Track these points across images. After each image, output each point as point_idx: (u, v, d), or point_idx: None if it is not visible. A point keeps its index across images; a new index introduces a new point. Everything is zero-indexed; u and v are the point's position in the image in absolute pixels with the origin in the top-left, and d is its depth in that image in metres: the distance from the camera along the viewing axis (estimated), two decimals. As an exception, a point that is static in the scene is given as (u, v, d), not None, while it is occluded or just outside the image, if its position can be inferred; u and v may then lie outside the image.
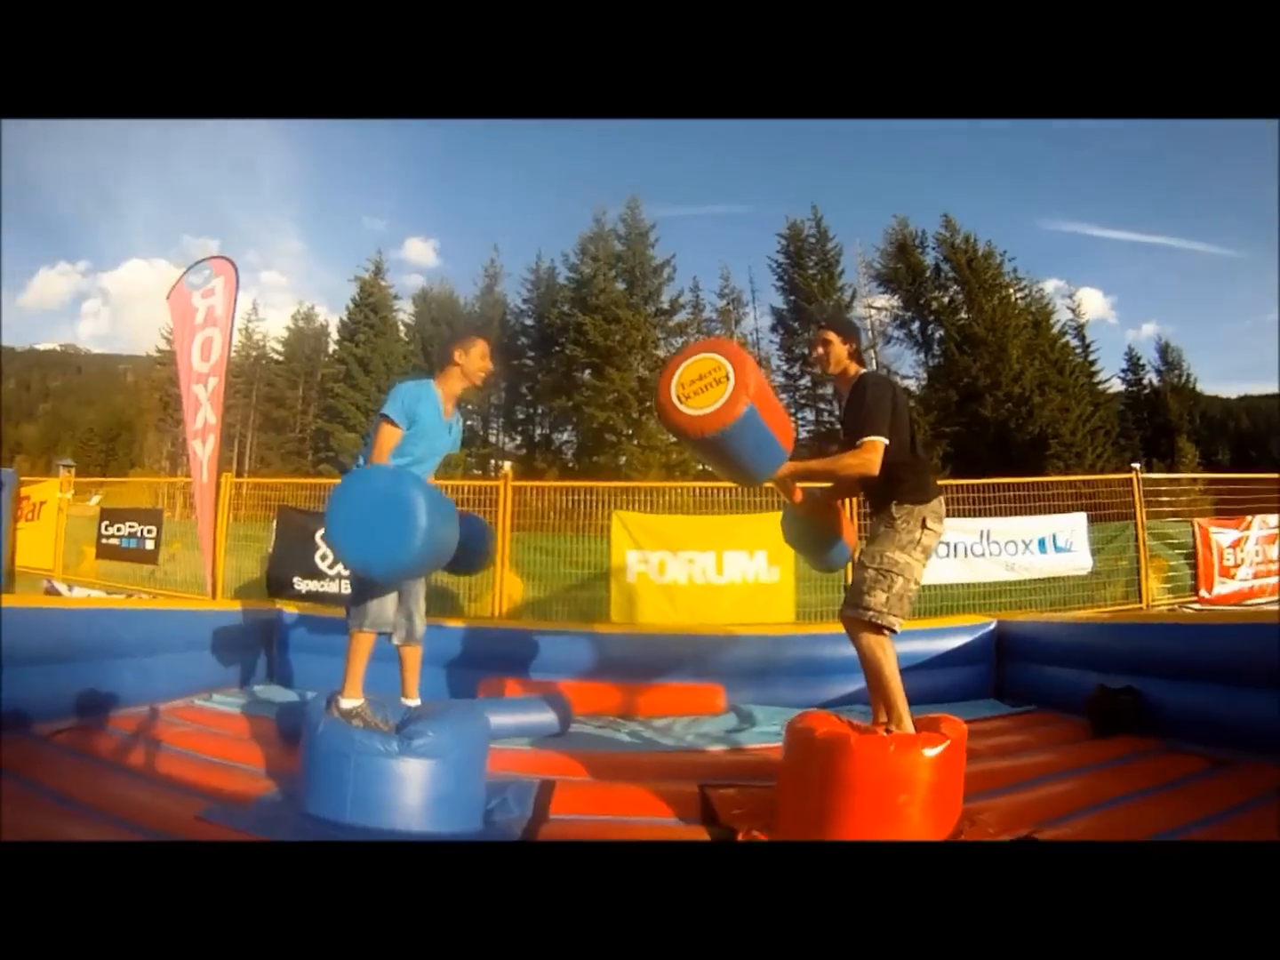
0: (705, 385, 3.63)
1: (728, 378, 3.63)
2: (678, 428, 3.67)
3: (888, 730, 3.78)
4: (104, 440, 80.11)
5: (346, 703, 3.99)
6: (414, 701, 4.58)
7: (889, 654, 3.87)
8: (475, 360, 4.55)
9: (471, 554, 4.78)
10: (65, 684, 5.35)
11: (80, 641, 5.63)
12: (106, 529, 12.83)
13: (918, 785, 3.48)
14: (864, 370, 4.44)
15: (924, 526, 4.00)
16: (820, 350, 4.50)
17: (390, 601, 4.28)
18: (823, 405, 52.68)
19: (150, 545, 12.31)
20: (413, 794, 3.71)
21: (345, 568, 4.40)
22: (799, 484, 4.70)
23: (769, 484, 4.42)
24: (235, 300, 9.56)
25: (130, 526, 12.58)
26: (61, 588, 12.41)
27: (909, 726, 3.76)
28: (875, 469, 3.96)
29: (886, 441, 3.99)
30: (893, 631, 3.91)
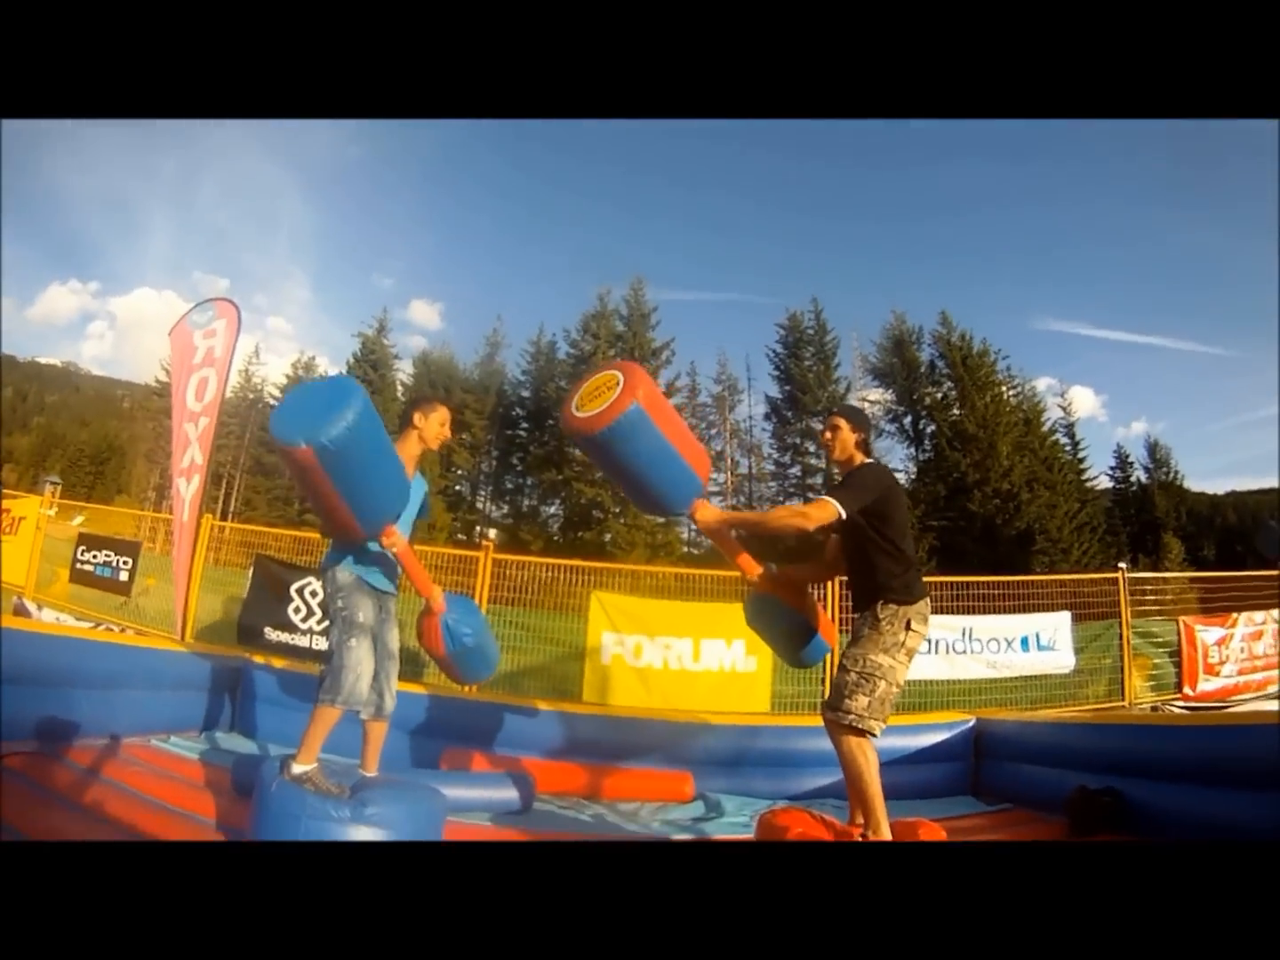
0: (599, 392, 3.85)
1: (618, 385, 3.84)
2: (572, 431, 3.89)
3: (864, 835, 3.67)
4: (93, 462, 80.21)
5: (299, 767, 3.89)
6: (372, 774, 4.47)
7: (870, 758, 3.78)
8: (434, 426, 4.55)
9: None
10: (21, 708, 5.20)
11: (42, 667, 5.53)
12: (83, 554, 12.75)
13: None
14: (869, 460, 4.42)
15: (908, 629, 3.95)
16: (829, 435, 4.50)
17: (366, 679, 4.18)
18: (811, 495, 52.79)
19: (124, 576, 12.24)
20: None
21: (328, 639, 4.31)
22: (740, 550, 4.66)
23: (709, 538, 4.56)
24: (235, 343, 9.61)
25: (106, 555, 12.53)
26: (31, 607, 12.28)
27: (885, 833, 3.66)
28: (811, 525, 3.99)
29: (843, 514, 3.97)
30: (873, 735, 3.82)
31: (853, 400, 53.02)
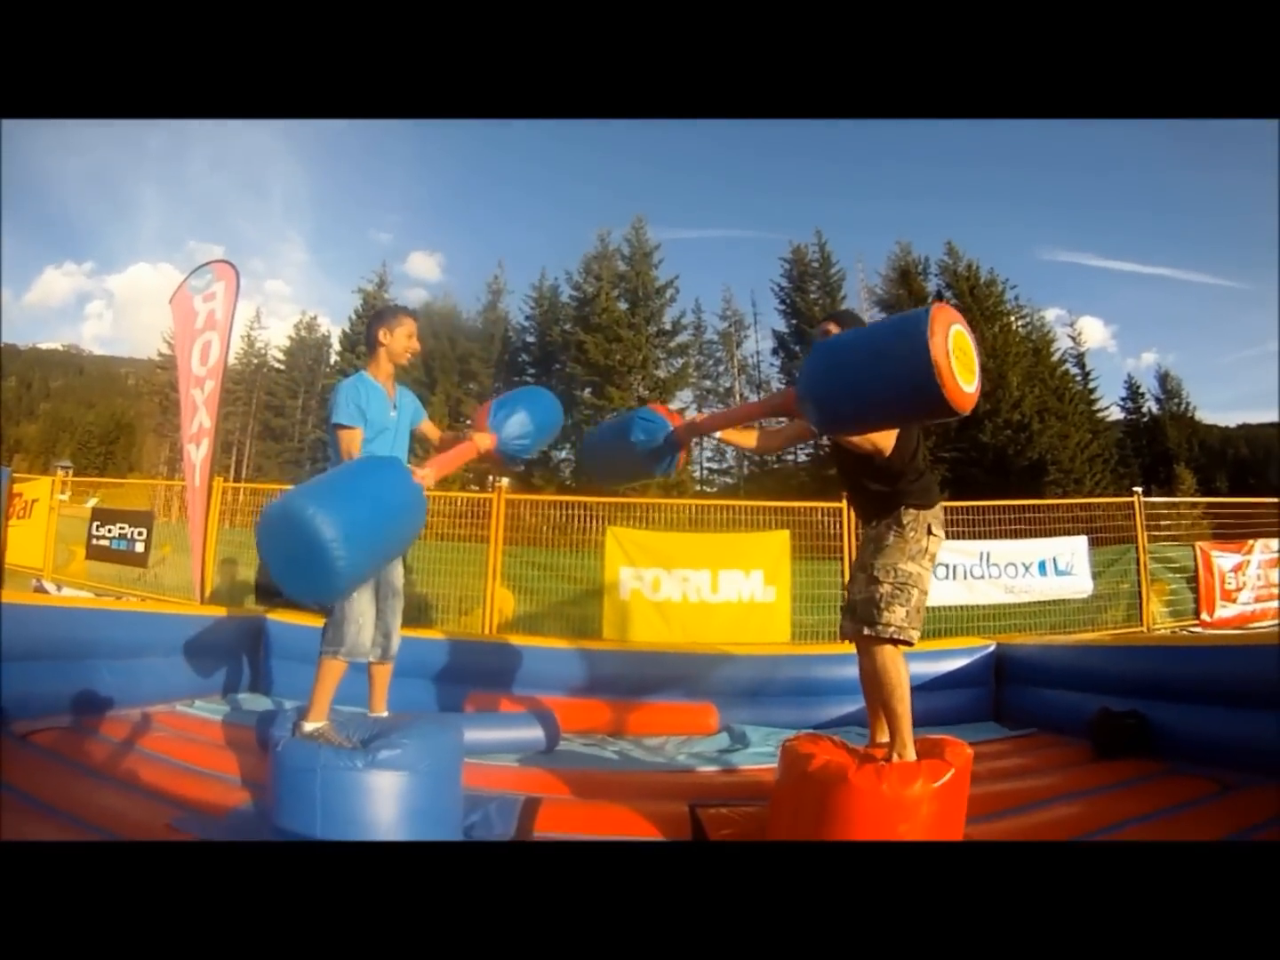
0: (967, 356, 3.15)
1: (976, 359, 3.28)
2: (952, 405, 3.30)
3: (889, 756, 3.63)
4: (103, 442, 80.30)
5: (309, 725, 3.86)
6: (382, 714, 4.45)
7: (904, 671, 3.71)
8: (400, 340, 4.42)
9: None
10: (46, 683, 5.28)
11: (63, 641, 5.57)
12: (97, 530, 12.81)
13: (920, 816, 3.31)
14: None
15: (929, 533, 3.86)
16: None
17: (368, 629, 4.15)
18: (821, 429, 52.70)
19: (140, 548, 12.27)
20: (383, 808, 3.54)
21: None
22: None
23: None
24: (235, 305, 9.53)
25: (121, 528, 12.57)
26: (50, 587, 12.32)
27: (911, 753, 3.61)
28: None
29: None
30: (909, 645, 3.77)
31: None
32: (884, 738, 3.85)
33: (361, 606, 4.07)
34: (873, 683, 3.82)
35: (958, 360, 3.03)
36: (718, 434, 4.61)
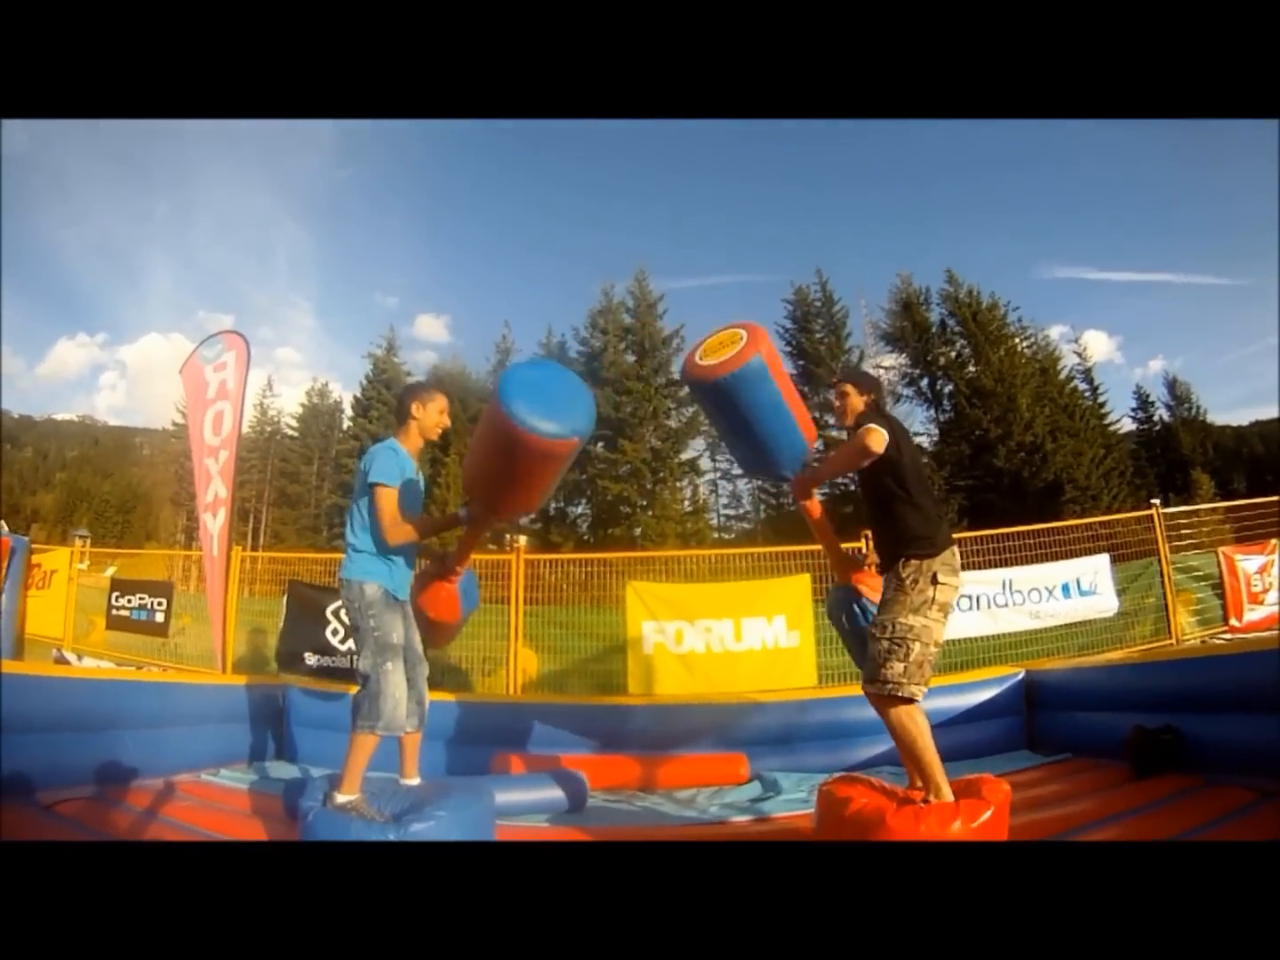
0: (722, 345, 3.98)
1: (742, 340, 4.00)
2: (694, 378, 3.98)
3: (925, 800, 3.60)
4: (119, 512, 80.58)
5: (342, 798, 3.84)
6: (414, 780, 4.43)
7: (919, 723, 3.69)
8: (432, 415, 4.49)
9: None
10: (71, 754, 5.26)
11: (87, 711, 5.54)
12: (117, 600, 12.80)
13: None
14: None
15: (935, 582, 3.83)
16: (839, 404, 4.49)
17: (404, 702, 4.15)
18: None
19: (160, 618, 12.30)
20: (417, 882, 3.51)
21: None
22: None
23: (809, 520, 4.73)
24: (247, 374, 9.61)
25: (140, 598, 12.58)
26: (71, 657, 12.31)
27: (947, 795, 3.57)
28: (878, 446, 3.84)
29: (883, 433, 3.88)
30: (915, 700, 3.75)
31: (867, 367, 52.85)
32: (921, 782, 3.82)
33: (397, 680, 4.08)
34: (893, 738, 3.81)
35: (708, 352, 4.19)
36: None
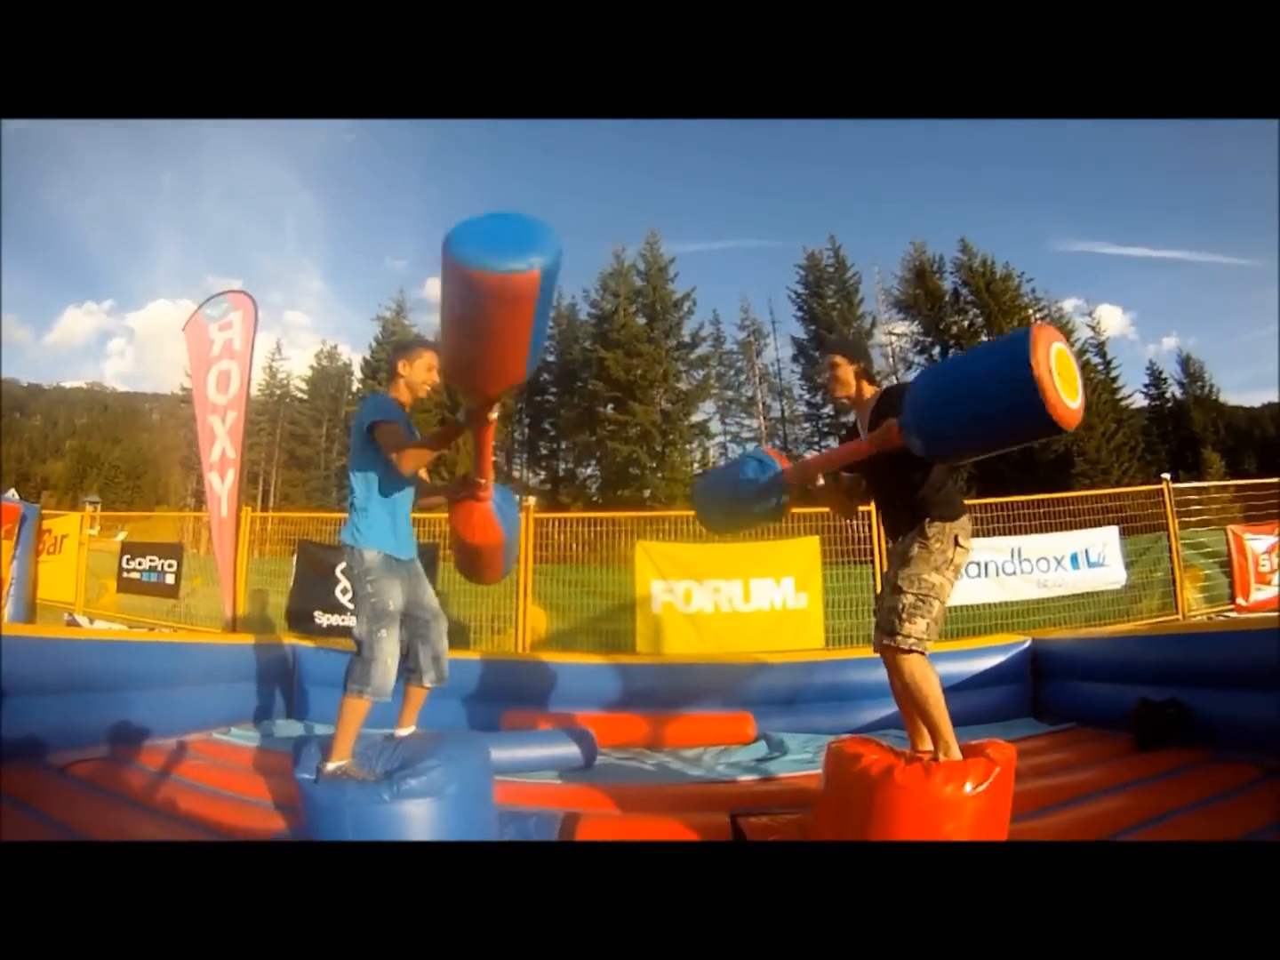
0: (1067, 374, 3.24)
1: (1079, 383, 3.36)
2: (1073, 425, 3.28)
3: (935, 758, 3.63)
4: (129, 477, 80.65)
5: (332, 765, 3.84)
6: (408, 730, 4.44)
7: (933, 679, 3.70)
8: (420, 371, 4.41)
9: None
10: (82, 715, 5.33)
11: (98, 673, 5.62)
12: (127, 563, 12.86)
13: (966, 814, 3.31)
14: (885, 386, 4.32)
15: (956, 544, 3.85)
16: (829, 376, 4.42)
17: (394, 668, 4.12)
18: (845, 433, 52.44)
19: (171, 579, 12.33)
20: (416, 837, 3.54)
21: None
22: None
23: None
24: (254, 335, 9.61)
25: (151, 560, 12.61)
26: (82, 621, 12.46)
27: (956, 752, 3.60)
28: (886, 447, 3.82)
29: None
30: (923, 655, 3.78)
31: (879, 334, 52.75)
32: (925, 744, 3.85)
33: (390, 647, 4.06)
34: (904, 694, 3.82)
35: (1060, 377, 3.10)
36: (820, 484, 4.74)
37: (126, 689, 5.74)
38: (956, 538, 3.85)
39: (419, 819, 3.57)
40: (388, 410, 4.21)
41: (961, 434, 3.56)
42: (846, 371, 4.29)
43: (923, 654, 3.72)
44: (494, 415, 3.99)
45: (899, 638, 3.72)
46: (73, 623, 12.26)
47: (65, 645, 5.64)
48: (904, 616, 3.73)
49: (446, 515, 4.86)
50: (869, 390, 4.28)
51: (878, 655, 3.91)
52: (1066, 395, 3.11)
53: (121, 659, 5.93)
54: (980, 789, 3.33)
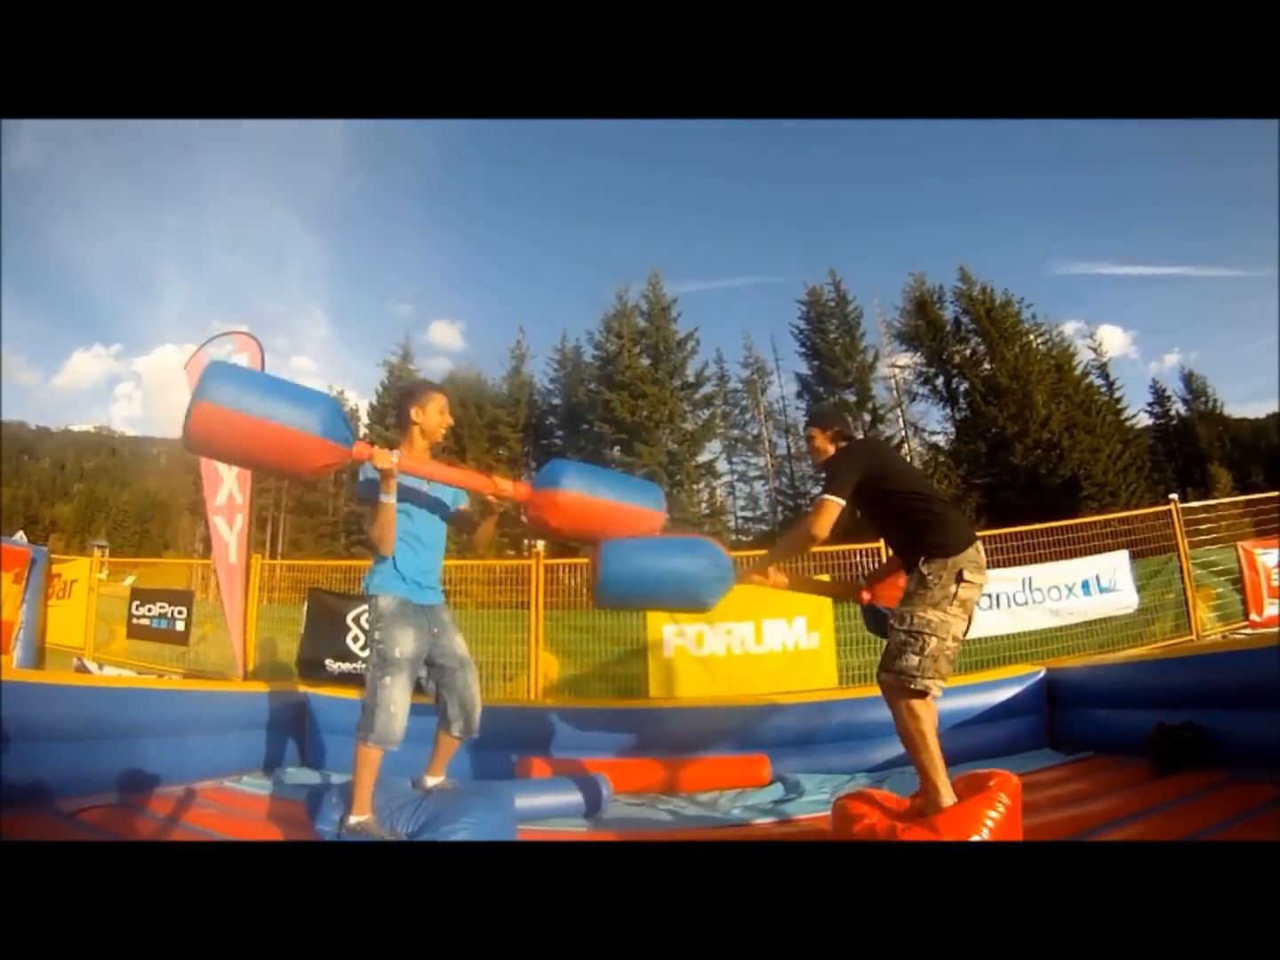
0: None
1: None
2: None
3: (924, 809, 3.63)
4: (137, 521, 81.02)
5: (354, 819, 3.84)
6: (436, 780, 4.42)
7: (923, 718, 3.72)
8: (434, 416, 4.44)
9: None
10: (92, 761, 5.29)
11: (109, 719, 5.59)
12: (137, 609, 12.91)
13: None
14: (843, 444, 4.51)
15: (960, 580, 3.85)
16: (808, 448, 4.68)
17: (402, 716, 4.13)
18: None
19: (180, 626, 12.38)
20: (439, 898, 3.52)
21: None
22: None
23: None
24: (261, 378, 9.44)
25: (161, 607, 12.66)
26: (92, 666, 12.45)
27: (947, 796, 3.59)
28: (822, 531, 4.03)
29: (841, 502, 4.06)
30: (931, 695, 3.78)
31: (882, 367, 52.83)
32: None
33: (395, 694, 4.06)
34: (897, 730, 3.85)
35: None
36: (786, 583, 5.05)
37: (137, 736, 5.72)
38: (960, 572, 3.86)
39: (443, 881, 3.53)
40: (364, 487, 4.23)
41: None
42: (822, 440, 4.53)
43: (919, 691, 3.74)
44: (384, 463, 3.92)
45: (892, 674, 3.78)
46: (82, 668, 12.27)
47: (75, 691, 5.63)
48: (895, 653, 3.81)
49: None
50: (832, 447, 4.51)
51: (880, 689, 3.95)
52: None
53: (132, 706, 5.90)
54: (986, 833, 3.31)
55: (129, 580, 15.34)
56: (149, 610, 12.73)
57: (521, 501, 4.39)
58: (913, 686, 3.73)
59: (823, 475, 4.36)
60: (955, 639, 3.84)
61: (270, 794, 6.12)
